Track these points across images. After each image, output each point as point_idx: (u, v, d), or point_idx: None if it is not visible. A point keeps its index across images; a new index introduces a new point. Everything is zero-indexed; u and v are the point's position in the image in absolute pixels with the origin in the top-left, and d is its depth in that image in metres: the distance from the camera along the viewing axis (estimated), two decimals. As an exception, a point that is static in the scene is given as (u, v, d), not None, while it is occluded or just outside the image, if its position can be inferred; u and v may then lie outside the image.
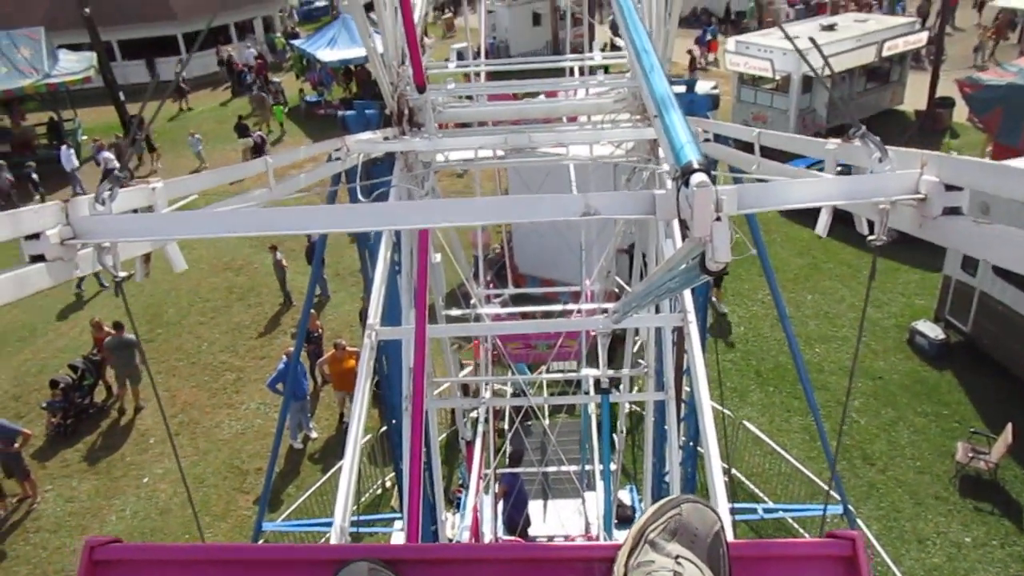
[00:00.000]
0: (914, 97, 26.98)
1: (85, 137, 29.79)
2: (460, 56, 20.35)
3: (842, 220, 2.73)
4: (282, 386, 13.94)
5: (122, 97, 30.15)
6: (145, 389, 15.54)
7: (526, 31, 36.90)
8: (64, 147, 25.88)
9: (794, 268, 18.56)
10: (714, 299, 16.66)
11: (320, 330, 16.12)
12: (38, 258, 1.99)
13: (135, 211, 2.49)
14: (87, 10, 28.46)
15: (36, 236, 1.98)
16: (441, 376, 11.38)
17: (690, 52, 31.81)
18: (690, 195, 1.84)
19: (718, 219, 1.84)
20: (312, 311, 15.61)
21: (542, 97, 13.02)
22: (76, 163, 25.66)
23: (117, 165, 24.89)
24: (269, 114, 30.48)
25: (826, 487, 10.98)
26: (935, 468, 12.69)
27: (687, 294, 5.65)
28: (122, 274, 2.19)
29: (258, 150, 26.87)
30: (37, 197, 24.41)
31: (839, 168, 2.81)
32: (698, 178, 1.83)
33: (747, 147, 4.10)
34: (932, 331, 15.26)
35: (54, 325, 18.26)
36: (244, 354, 17.11)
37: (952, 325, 15.19)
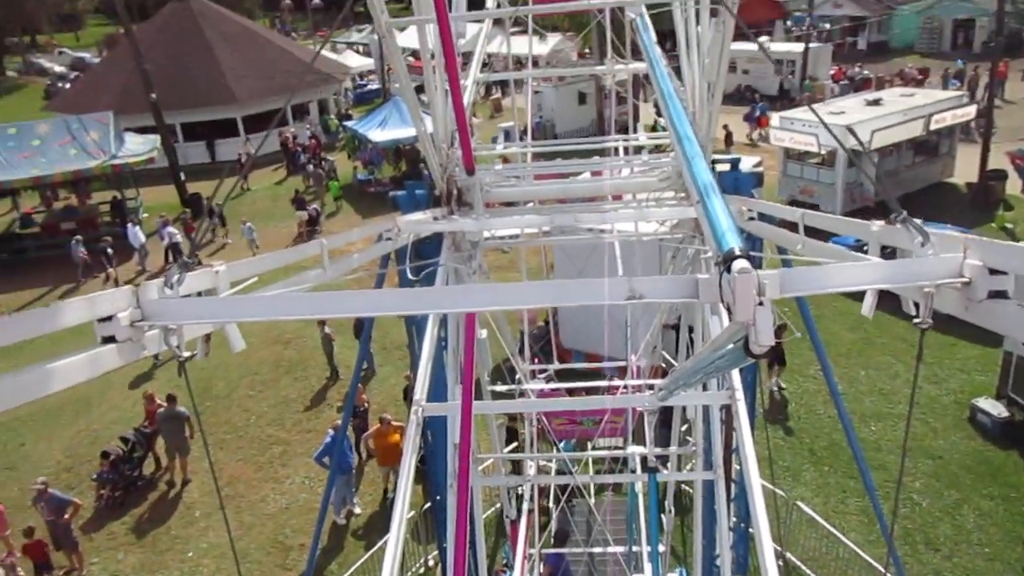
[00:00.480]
0: (965, 170, 26.72)
1: (146, 215, 31.05)
2: (507, 135, 20.91)
3: (893, 293, 2.73)
4: (328, 459, 14.01)
5: (183, 177, 31.61)
6: (194, 462, 15.73)
7: (572, 110, 37.71)
8: (131, 224, 27.01)
9: (846, 343, 18.19)
10: (776, 379, 16.45)
11: (366, 404, 16.21)
12: (109, 339, 2.10)
13: (199, 293, 2.62)
14: (153, 96, 30.14)
15: (108, 318, 2.10)
16: (486, 452, 11.31)
17: (725, 127, 32.04)
18: (732, 280, 1.88)
19: (761, 304, 1.88)
20: (359, 385, 15.74)
21: (587, 175, 13.25)
22: (143, 239, 26.61)
23: (179, 240, 25.91)
24: (324, 190, 31.67)
25: (887, 574, 10.50)
26: (1005, 555, 12.06)
27: (735, 371, 5.61)
28: (186, 354, 2.30)
29: (313, 222, 28.31)
30: (110, 270, 25.49)
31: (884, 248, 2.83)
32: (739, 264, 1.88)
33: (793, 225, 4.14)
34: (995, 409, 14.72)
35: (108, 397, 18.68)
36: (291, 427, 17.26)
37: (1015, 403, 14.64)
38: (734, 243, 2.00)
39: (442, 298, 2.56)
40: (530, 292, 2.44)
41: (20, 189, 27.73)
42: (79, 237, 26.14)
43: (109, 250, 25.53)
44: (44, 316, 1.99)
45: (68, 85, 53.22)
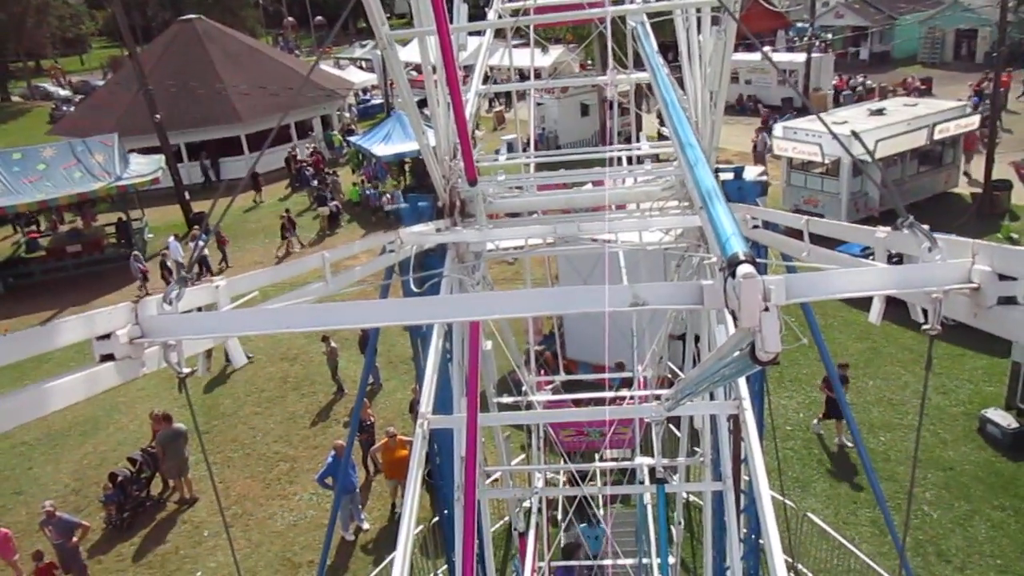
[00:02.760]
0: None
1: (151, 235, 31.16)
2: (510, 147, 20.94)
3: (900, 303, 2.69)
4: (331, 480, 13.94)
5: (187, 196, 31.75)
6: (200, 481, 15.68)
7: (574, 122, 37.81)
8: (172, 238, 27.03)
9: (853, 353, 18.08)
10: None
11: (372, 419, 16.17)
12: (107, 357, 2.08)
13: (199, 309, 2.60)
14: (158, 116, 30.32)
15: (107, 336, 2.08)
16: (493, 465, 11.25)
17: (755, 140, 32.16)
18: (737, 286, 1.86)
19: (766, 309, 1.85)
20: (364, 400, 15.71)
21: (589, 186, 13.25)
22: (181, 253, 26.38)
23: (181, 255, 25.95)
24: (342, 195, 32.70)
25: (899, 585, 10.39)
26: (1018, 567, 11.91)
27: (742, 380, 5.57)
28: (186, 370, 2.28)
29: (334, 219, 30.25)
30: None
31: (891, 255, 2.80)
32: (744, 269, 1.85)
33: (798, 233, 4.11)
34: (1004, 419, 14.59)
35: (115, 419, 18.66)
36: (298, 444, 17.22)
37: (1024, 412, 14.54)
38: (738, 248, 1.97)
39: (444, 307, 2.54)
40: (532, 300, 2.42)
41: (25, 213, 27.77)
42: (137, 253, 26.64)
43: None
44: (41, 335, 1.97)
45: (72, 108, 53.59)
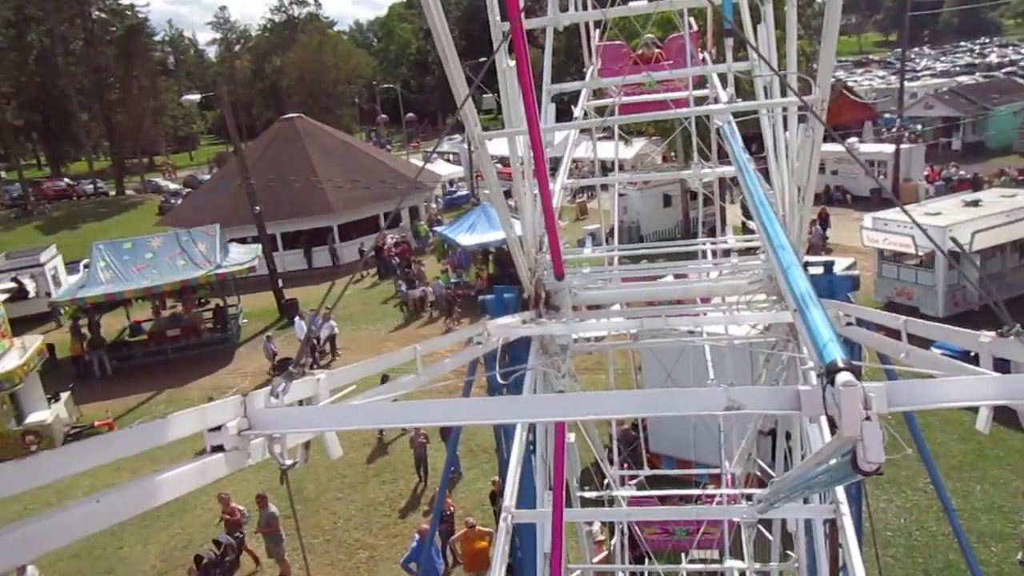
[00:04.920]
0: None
1: (246, 320, 32.44)
2: (593, 237, 21.15)
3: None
4: (415, 566, 13.81)
5: (280, 283, 33.10)
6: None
7: (657, 212, 37.97)
8: (297, 318, 28.44)
9: (956, 455, 17.03)
10: None
11: (452, 508, 16.02)
12: (217, 448, 2.19)
13: (300, 402, 2.71)
14: (257, 208, 32.05)
15: (217, 428, 2.19)
16: (575, 562, 10.92)
17: None
18: (836, 394, 1.83)
19: (867, 418, 1.81)
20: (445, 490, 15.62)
21: (670, 278, 13.22)
22: (304, 330, 27.12)
23: (303, 333, 26.69)
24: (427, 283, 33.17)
25: None
26: None
27: (839, 484, 5.33)
28: (288, 462, 2.36)
29: (421, 304, 31.25)
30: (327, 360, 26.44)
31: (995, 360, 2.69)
32: (844, 377, 1.83)
33: (894, 332, 3.99)
34: None
35: (202, 500, 19.01)
36: (378, 532, 17.17)
37: None
38: (836, 355, 1.95)
39: (535, 407, 2.57)
40: (625, 402, 2.43)
41: (132, 299, 29.42)
42: (269, 334, 27.94)
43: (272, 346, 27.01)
44: (157, 429, 2.09)
45: (180, 201, 57.25)
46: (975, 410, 2.71)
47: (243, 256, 30.80)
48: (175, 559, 16.79)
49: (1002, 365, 2.69)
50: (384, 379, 4.62)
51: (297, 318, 28.36)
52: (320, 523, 17.69)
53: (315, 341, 26.90)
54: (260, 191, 33.58)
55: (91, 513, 1.76)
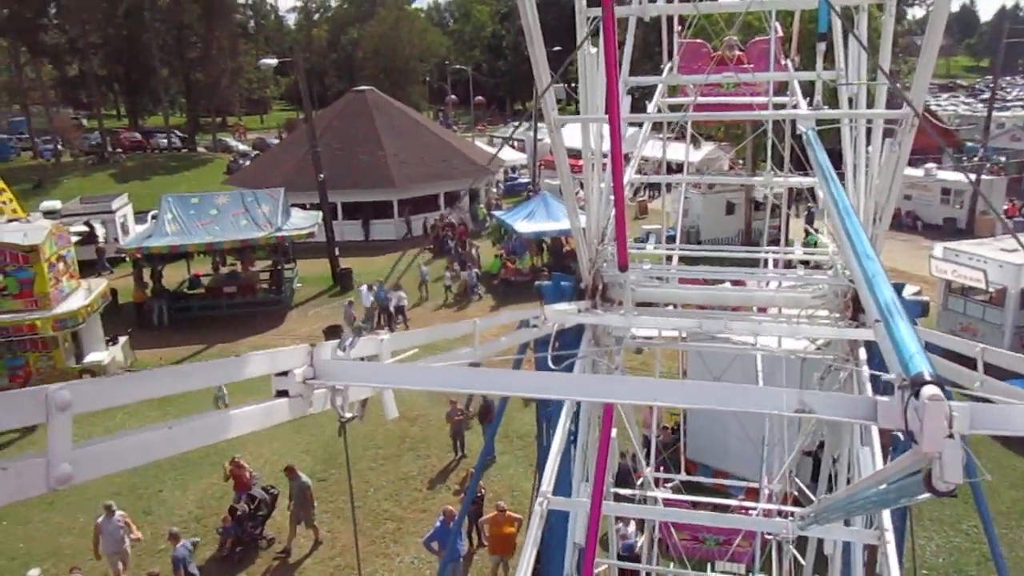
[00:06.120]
0: None
1: (299, 284, 33.01)
2: (654, 236, 20.97)
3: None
4: (436, 545, 13.92)
5: (337, 252, 33.56)
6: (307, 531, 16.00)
7: (719, 219, 37.40)
8: (364, 286, 28.81)
9: (1007, 501, 16.48)
10: None
11: (483, 491, 16.10)
12: (282, 393, 2.21)
13: (362, 359, 2.73)
14: (321, 176, 32.52)
15: (285, 373, 2.22)
16: (600, 557, 10.87)
17: None
18: (920, 407, 1.76)
19: (950, 436, 1.74)
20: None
21: (728, 284, 13.00)
22: (370, 300, 27.86)
23: (370, 302, 27.18)
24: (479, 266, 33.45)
25: None
26: None
27: (885, 510, 5.19)
28: (348, 415, 2.38)
29: (470, 288, 31.42)
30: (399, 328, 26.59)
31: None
32: (930, 391, 1.76)
33: (963, 360, 3.85)
34: None
35: (242, 454, 19.46)
36: (407, 505, 17.35)
37: None
38: (923, 367, 1.87)
39: (596, 386, 2.53)
40: (693, 391, 2.38)
41: (194, 253, 30.18)
42: (351, 299, 28.57)
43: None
44: (232, 366, 2.13)
45: (248, 162, 58.42)
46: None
47: (304, 221, 31.30)
48: (211, 507, 17.22)
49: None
50: None
51: (364, 286, 28.66)
52: (352, 490, 17.93)
53: (387, 309, 27.74)
54: (326, 160, 34.06)
55: (164, 437, 1.80)
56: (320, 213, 32.84)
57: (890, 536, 5.13)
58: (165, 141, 73.73)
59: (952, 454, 1.74)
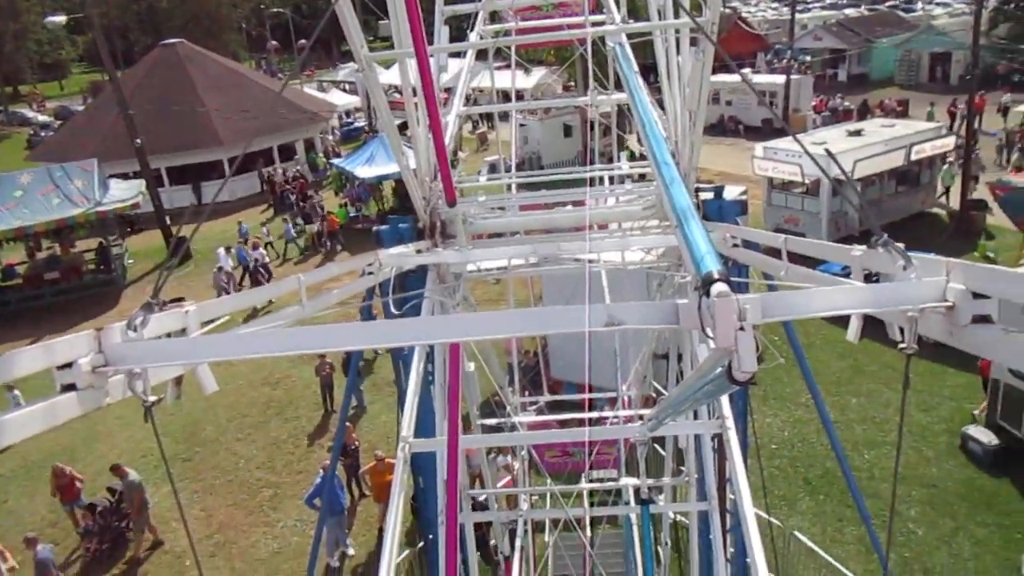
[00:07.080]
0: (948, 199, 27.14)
1: (131, 261, 30.88)
2: (492, 168, 21.00)
3: (880, 321, 2.68)
4: (319, 501, 13.77)
5: (167, 220, 31.53)
6: (174, 509, 15.25)
7: (558, 143, 37.97)
8: (221, 249, 27.05)
9: (835, 371, 18.16)
10: None
11: (356, 443, 16.00)
12: (69, 387, 2.02)
13: (168, 335, 2.54)
14: (138, 141, 30.16)
15: (68, 365, 2.02)
16: (478, 488, 11.14)
17: None
18: (711, 305, 1.83)
19: (742, 328, 1.83)
20: (348, 424, 15.54)
21: (570, 206, 13.27)
22: (229, 262, 26.53)
23: (230, 265, 25.72)
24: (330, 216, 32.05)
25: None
26: (1002, 581, 11.93)
27: (725, 399, 5.55)
28: (151, 399, 2.21)
29: (320, 239, 30.65)
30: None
31: (868, 274, 2.78)
32: (718, 288, 1.83)
33: (777, 253, 4.10)
34: (985, 436, 14.64)
35: (94, 448, 18.31)
36: (281, 469, 17.00)
37: (1004, 430, 14.58)
38: (712, 266, 1.95)
39: (421, 328, 2.49)
40: (510, 321, 2.39)
41: (2, 241, 27.39)
42: (220, 265, 26.24)
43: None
44: (-3, 365, 1.90)
45: (51, 134, 53.28)
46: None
47: (125, 193, 29.02)
48: (65, 510, 16.14)
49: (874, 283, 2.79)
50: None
51: (221, 248, 27.12)
52: (220, 464, 17.36)
53: (248, 269, 26.88)
54: (141, 123, 31.53)
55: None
56: (142, 181, 30.56)
57: (731, 423, 5.50)
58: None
59: (745, 346, 1.83)
